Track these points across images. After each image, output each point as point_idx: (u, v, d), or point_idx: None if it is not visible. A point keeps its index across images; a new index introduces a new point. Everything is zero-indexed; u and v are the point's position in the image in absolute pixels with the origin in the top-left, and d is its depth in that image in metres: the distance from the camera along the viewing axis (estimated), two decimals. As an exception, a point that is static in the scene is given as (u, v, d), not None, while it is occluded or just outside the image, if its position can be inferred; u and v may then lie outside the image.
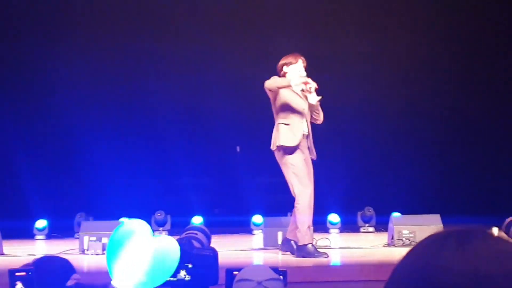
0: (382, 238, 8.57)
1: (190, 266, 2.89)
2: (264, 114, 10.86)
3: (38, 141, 10.54)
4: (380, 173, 10.72)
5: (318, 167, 10.52)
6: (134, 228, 2.73)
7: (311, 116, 6.78)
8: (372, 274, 6.09)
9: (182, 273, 2.93)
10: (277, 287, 2.43)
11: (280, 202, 10.55)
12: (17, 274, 3.61)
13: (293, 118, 6.73)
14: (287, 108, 6.69)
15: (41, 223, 9.89)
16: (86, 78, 10.62)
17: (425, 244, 1.23)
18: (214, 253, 2.94)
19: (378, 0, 11.04)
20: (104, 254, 7.44)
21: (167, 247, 2.72)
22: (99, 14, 10.78)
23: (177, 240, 3.18)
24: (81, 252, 7.64)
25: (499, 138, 10.65)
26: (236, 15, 10.90)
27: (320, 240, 8.16)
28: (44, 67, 10.51)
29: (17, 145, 10.19)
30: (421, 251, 1.22)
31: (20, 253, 7.89)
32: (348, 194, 10.41)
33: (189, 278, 2.88)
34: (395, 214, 9.26)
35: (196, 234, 4.34)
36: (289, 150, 6.75)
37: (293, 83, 6.54)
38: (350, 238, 9.11)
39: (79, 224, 9.83)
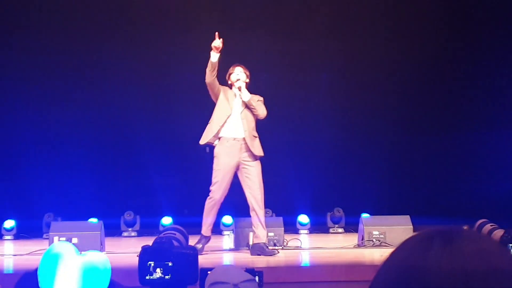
0: (352, 239, 8.63)
1: (170, 264, 2.88)
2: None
3: (6, 143, 10.42)
4: (349, 174, 10.80)
5: (288, 168, 10.63)
6: (59, 251, 2.74)
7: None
8: (344, 274, 6.13)
9: (159, 272, 2.92)
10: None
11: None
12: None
13: None
14: None
15: (9, 223, 9.80)
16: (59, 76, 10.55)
17: (411, 244, 1.23)
18: (194, 252, 2.95)
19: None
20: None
21: (96, 262, 2.73)
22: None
23: (156, 239, 3.18)
24: (50, 252, 7.55)
25: (470, 140, 10.76)
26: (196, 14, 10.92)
27: (291, 241, 8.20)
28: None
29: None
30: (407, 252, 1.22)
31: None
32: (318, 195, 10.47)
33: (169, 277, 2.87)
34: (365, 215, 9.34)
35: (175, 234, 4.34)
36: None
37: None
38: (320, 239, 9.17)
39: (47, 225, 9.75)
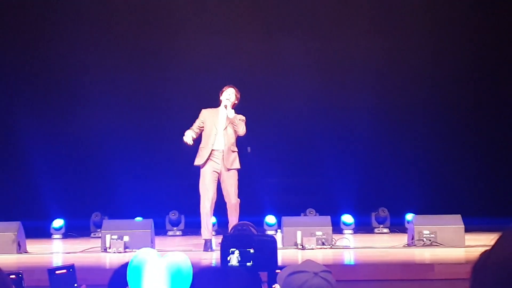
0: (398, 239, 8.61)
1: (252, 251, 2.93)
2: (273, 114, 10.99)
3: (55, 144, 10.59)
4: (392, 174, 10.75)
5: (331, 168, 10.65)
6: (143, 258, 2.81)
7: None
8: (397, 273, 6.13)
9: (236, 256, 2.96)
10: (331, 278, 2.47)
11: (291, 203, 10.63)
12: (57, 272, 3.63)
13: None
14: None
15: (58, 223, 9.96)
16: (101, 82, 10.69)
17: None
18: (273, 239, 3.00)
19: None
20: (125, 252, 7.51)
21: (179, 261, 2.80)
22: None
23: (235, 227, 3.25)
24: (103, 250, 7.69)
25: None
26: (238, 16, 10.99)
27: (339, 240, 8.21)
28: (62, 72, 10.61)
29: (35, 148, 10.25)
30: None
31: (41, 251, 7.94)
32: (361, 195, 10.45)
33: (251, 263, 2.92)
34: (410, 215, 9.31)
35: (248, 225, 4.38)
36: None
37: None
38: (366, 239, 9.14)
39: (95, 224, 9.91)
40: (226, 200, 7.90)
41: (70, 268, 3.69)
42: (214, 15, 10.94)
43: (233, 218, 7.83)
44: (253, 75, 10.75)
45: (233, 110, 7.86)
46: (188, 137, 7.74)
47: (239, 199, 7.93)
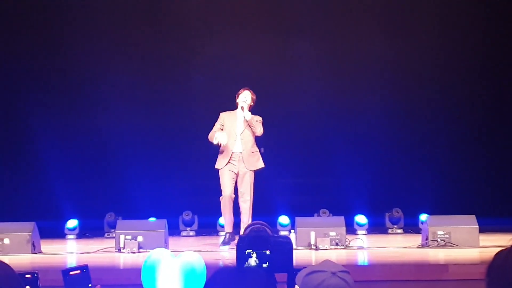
0: (412, 239, 8.57)
1: (268, 252, 2.94)
2: (286, 115, 10.99)
3: (70, 144, 10.63)
4: (406, 174, 10.72)
5: (345, 168, 10.62)
6: (157, 258, 2.82)
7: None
8: (412, 274, 6.12)
9: (254, 258, 2.96)
10: (350, 278, 2.47)
11: (304, 203, 10.61)
12: (71, 273, 3.64)
13: None
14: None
15: (72, 223, 10.00)
16: (116, 83, 10.74)
17: None
18: (289, 241, 3.00)
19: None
20: (139, 252, 7.53)
21: (192, 261, 2.80)
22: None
23: (250, 228, 3.25)
24: (117, 250, 7.71)
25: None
26: (255, 17, 11.00)
27: (353, 240, 8.20)
28: (79, 73, 10.67)
29: (49, 148, 10.30)
30: None
31: (55, 251, 7.98)
32: (375, 195, 10.42)
33: (267, 265, 2.93)
34: (424, 216, 9.28)
35: (263, 226, 4.37)
36: None
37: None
38: (379, 239, 9.11)
39: (109, 224, 9.94)
40: (240, 200, 8.16)
41: (84, 268, 3.70)
42: (227, 17, 10.96)
43: (245, 218, 8.07)
44: (266, 77, 10.75)
45: (249, 112, 8.15)
46: (223, 136, 8.04)
47: (252, 200, 8.16)
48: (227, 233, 8.23)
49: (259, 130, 8.16)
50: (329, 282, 2.32)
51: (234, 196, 8.17)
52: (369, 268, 6.82)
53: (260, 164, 8.28)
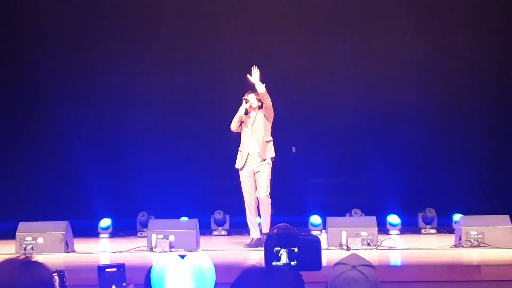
0: (446, 239, 8.48)
1: (296, 250, 2.93)
2: (319, 114, 10.96)
3: (102, 144, 10.73)
4: (441, 174, 10.61)
5: (377, 167, 10.55)
6: (164, 264, 2.82)
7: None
8: (444, 275, 6.05)
9: (284, 256, 2.97)
10: (371, 273, 2.46)
11: (336, 203, 10.57)
12: (107, 270, 3.65)
13: None
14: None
15: (105, 222, 10.09)
16: (148, 82, 10.82)
17: None
18: (317, 239, 2.99)
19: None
20: (171, 251, 7.56)
21: (201, 263, 2.80)
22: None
23: (277, 227, 3.26)
24: (149, 249, 7.76)
25: None
26: (282, 15, 10.98)
27: (385, 241, 8.14)
28: (110, 73, 10.76)
29: (82, 148, 10.40)
30: None
31: (88, 250, 8.06)
32: (407, 195, 10.33)
33: (295, 262, 2.92)
34: (458, 216, 9.17)
35: (289, 225, 4.36)
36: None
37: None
38: (412, 240, 9.03)
39: (141, 223, 10.01)
40: (256, 195, 8.14)
41: (120, 267, 3.71)
42: (260, 16, 10.95)
43: (265, 216, 8.09)
44: (300, 76, 10.75)
45: (261, 83, 8.07)
46: (242, 107, 8.11)
47: (269, 197, 8.09)
48: (254, 238, 8.20)
49: (269, 102, 8.09)
50: (347, 274, 2.35)
51: (256, 198, 8.14)
52: (401, 268, 6.76)
53: (271, 154, 8.20)
